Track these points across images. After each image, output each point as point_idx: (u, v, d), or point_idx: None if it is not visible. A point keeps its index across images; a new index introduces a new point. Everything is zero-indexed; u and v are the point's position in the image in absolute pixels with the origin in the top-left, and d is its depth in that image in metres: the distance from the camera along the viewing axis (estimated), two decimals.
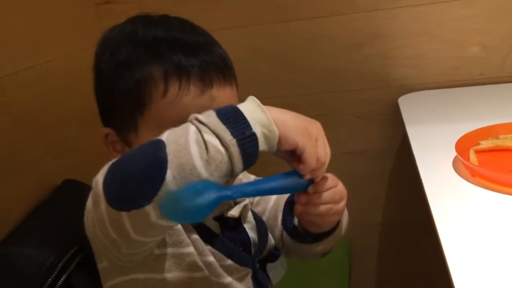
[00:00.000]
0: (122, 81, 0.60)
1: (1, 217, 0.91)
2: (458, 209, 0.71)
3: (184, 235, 0.61)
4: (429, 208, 0.71)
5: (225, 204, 0.68)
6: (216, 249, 0.64)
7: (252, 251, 0.70)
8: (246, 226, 0.71)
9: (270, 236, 0.74)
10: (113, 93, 0.61)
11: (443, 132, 0.95)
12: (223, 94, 0.59)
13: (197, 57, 0.58)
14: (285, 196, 0.78)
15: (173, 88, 0.56)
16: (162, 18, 0.64)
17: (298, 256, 0.79)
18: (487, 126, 0.89)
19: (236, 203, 0.70)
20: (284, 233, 0.77)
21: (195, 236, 0.62)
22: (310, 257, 0.78)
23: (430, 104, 1.17)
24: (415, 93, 1.26)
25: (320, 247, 0.74)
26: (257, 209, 0.79)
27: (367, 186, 1.39)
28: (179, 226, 0.61)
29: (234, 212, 0.67)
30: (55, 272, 0.86)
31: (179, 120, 0.54)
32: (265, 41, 1.31)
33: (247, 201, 0.71)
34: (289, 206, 0.75)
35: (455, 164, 0.82)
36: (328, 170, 1.50)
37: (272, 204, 0.80)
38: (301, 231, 0.73)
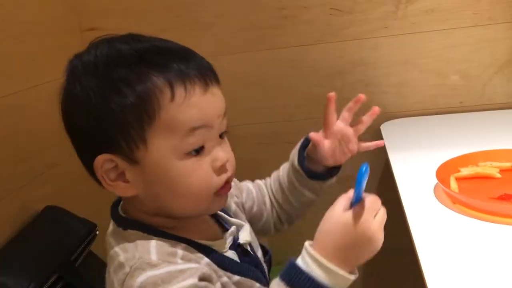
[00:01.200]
0: (122, 99, 0.58)
1: None
2: (439, 235, 0.71)
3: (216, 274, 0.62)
4: (410, 234, 0.72)
5: (232, 232, 0.70)
6: (245, 277, 0.65)
7: (264, 266, 0.73)
8: (255, 246, 0.73)
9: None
10: (109, 115, 0.59)
11: (424, 159, 0.96)
12: (218, 91, 0.62)
13: (190, 61, 0.61)
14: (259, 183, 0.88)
15: (180, 91, 0.58)
16: (126, 35, 0.66)
17: (296, 203, 0.85)
18: (467, 154, 0.91)
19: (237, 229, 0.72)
20: (286, 183, 0.84)
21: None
22: (310, 200, 0.86)
23: (411, 131, 1.19)
24: (397, 120, 1.28)
25: (331, 181, 0.85)
26: (248, 205, 0.82)
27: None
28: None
29: (246, 237, 0.70)
30: None
31: (190, 118, 0.58)
32: (251, 68, 1.33)
33: (247, 225, 0.74)
34: (303, 149, 0.83)
35: (436, 190, 0.83)
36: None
37: (255, 192, 0.85)
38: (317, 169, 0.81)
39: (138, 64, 0.59)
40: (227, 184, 0.64)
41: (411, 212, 0.78)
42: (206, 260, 0.62)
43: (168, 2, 1.30)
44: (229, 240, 0.68)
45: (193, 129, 0.59)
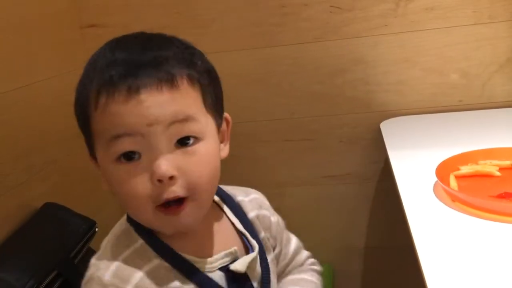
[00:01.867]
0: (76, 96, 0.61)
1: None
2: (438, 233, 0.71)
3: None
4: (410, 232, 0.72)
5: (231, 253, 0.65)
6: None
7: None
8: (252, 277, 0.67)
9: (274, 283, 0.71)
10: (75, 109, 0.62)
11: (424, 157, 0.96)
12: (156, 98, 0.55)
13: (126, 60, 0.57)
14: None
15: (102, 98, 0.56)
16: (136, 35, 0.63)
17: None
18: (466, 152, 0.91)
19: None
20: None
21: None
22: None
23: (411, 129, 1.19)
24: (396, 118, 1.28)
25: None
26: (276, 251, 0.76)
27: (349, 210, 1.40)
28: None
29: (240, 267, 0.63)
30: None
31: (111, 127, 0.56)
32: (252, 65, 1.33)
33: (255, 253, 0.67)
34: None
35: (436, 188, 0.83)
36: (311, 194, 1.51)
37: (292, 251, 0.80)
38: None
39: (93, 64, 0.60)
40: (168, 204, 0.57)
41: (411, 210, 0.78)
42: (171, 285, 0.59)
43: None
44: (224, 260, 0.64)
45: (114, 137, 0.56)
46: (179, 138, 0.57)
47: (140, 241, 0.61)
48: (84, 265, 0.96)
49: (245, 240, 0.68)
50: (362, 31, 1.26)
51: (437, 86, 1.27)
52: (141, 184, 0.56)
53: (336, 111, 1.33)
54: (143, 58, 0.57)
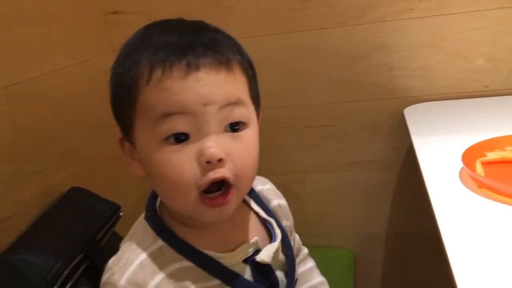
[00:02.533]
0: (117, 75, 0.59)
1: (7, 225, 0.92)
2: (464, 220, 0.70)
3: None
4: (435, 219, 0.71)
5: (253, 244, 0.64)
6: None
7: None
8: (274, 265, 0.67)
9: (296, 271, 0.71)
10: (113, 92, 0.61)
11: (449, 143, 0.95)
12: (214, 77, 0.55)
13: (184, 39, 0.56)
14: None
15: (157, 73, 0.54)
16: (177, 20, 0.62)
17: None
18: (493, 138, 0.89)
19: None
20: None
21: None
22: None
23: (436, 116, 1.17)
24: (421, 104, 1.26)
25: None
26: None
27: (372, 196, 1.39)
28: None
29: (266, 258, 0.63)
30: (60, 280, 0.86)
31: (164, 104, 0.53)
32: (273, 51, 1.32)
33: (277, 242, 0.66)
34: None
35: (462, 175, 0.82)
36: (334, 181, 1.51)
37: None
38: None
39: (144, 42, 0.58)
40: (213, 188, 0.56)
41: (436, 197, 0.77)
42: (198, 284, 0.58)
43: None
44: (246, 253, 0.63)
45: (166, 115, 0.54)
46: (230, 122, 0.56)
47: (160, 242, 0.60)
48: (109, 248, 0.98)
49: (270, 227, 0.68)
50: (387, 15, 1.24)
51: (462, 71, 1.25)
52: (188, 166, 0.54)
53: (359, 97, 1.32)
54: (200, 39, 0.56)
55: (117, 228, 1.07)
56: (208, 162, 0.54)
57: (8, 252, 0.88)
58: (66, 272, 0.87)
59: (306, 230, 1.44)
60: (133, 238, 0.62)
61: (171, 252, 0.59)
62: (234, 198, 0.58)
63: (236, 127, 0.57)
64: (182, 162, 0.54)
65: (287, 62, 1.33)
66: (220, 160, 0.54)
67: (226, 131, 0.56)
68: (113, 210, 1.04)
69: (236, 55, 0.59)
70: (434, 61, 1.25)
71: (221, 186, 0.56)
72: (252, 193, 0.71)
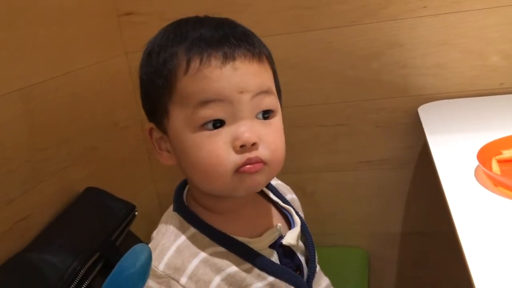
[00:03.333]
0: (151, 67, 0.62)
1: (25, 224, 0.93)
2: (481, 219, 0.70)
3: (245, 281, 0.61)
4: (451, 218, 0.71)
5: (277, 230, 0.67)
6: (280, 279, 0.64)
7: (305, 274, 0.70)
8: (295, 249, 0.70)
9: (317, 257, 0.73)
10: (146, 83, 0.63)
11: (464, 142, 0.95)
12: (248, 67, 0.59)
13: (219, 30, 0.60)
14: None
15: (195, 63, 0.58)
16: (202, 17, 0.66)
17: None
18: (509, 136, 0.88)
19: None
20: None
21: (256, 272, 0.62)
22: None
23: (450, 114, 1.16)
24: (435, 102, 1.25)
25: None
26: None
27: (387, 195, 1.38)
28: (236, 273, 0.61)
29: (291, 240, 0.67)
30: (77, 279, 0.87)
31: (203, 91, 0.57)
32: (285, 50, 1.32)
33: (298, 227, 0.70)
34: None
35: (477, 173, 0.82)
36: (347, 180, 1.50)
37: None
38: None
39: (173, 36, 0.61)
40: (250, 162, 0.58)
41: (452, 195, 0.77)
42: (228, 270, 0.61)
43: None
44: (272, 238, 0.67)
45: (204, 102, 0.57)
46: (261, 110, 0.60)
47: (193, 230, 0.62)
48: (124, 247, 0.99)
49: (289, 215, 0.71)
50: (400, 13, 1.23)
51: (477, 69, 1.24)
52: (224, 149, 0.58)
53: (372, 95, 1.32)
54: (233, 31, 0.60)
55: (132, 228, 1.08)
56: (242, 146, 0.58)
57: (27, 250, 0.89)
58: (82, 271, 0.88)
59: (320, 229, 1.44)
60: (165, 228, 0.64)
61: (204, 239, 0.62)
62: (265, 174, 0.61)
63: (266, 115, 0.61)
64: (219, 146, 0.58)
65: (301, 61, 1.33)
66: (253, 144, 0.58)
67: (257, 118, 0.60)
68: (128, 209, 1.05)
69: (264, 48, 0.63)
70: (448, 59, 1.24)
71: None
72: (270, 186, 0.74)
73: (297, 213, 0.73)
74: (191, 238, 0.62)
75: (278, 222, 0.69)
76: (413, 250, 1.44)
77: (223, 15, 1.28)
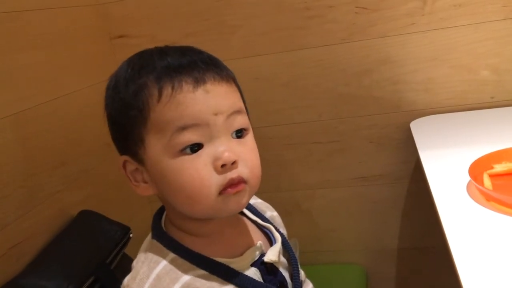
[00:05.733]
0: (120, 100, 0.62)
1: (19, 249, 0.93)
2: (473, 234, 0.70)
3: None
4: (443, 233, 0.71)
5: (258, 248, 0.67)
6: None
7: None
8: (278, 265, 0.70)
9: (301, 271, 0.73)
10: (116, 116, 0.63)
11: (456, 156, 0.95)
12: (219, 89, 0.60)
13: (185, 57, 0.61)
14: None
15: (167, 90, 0.58)
16: (164, 46, 0.66)
17: None
18: (500, 150, 0.89)
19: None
20: None
21: None
22: None
23: (442, 128, 1.17)
24: (427, 117, 1.26)
25: None
26: None
27: (381, 211, 1.38)
28: None
29: (273, 257, 0.67)
30: None
31: (179, 117, 0.58)
32: (277, 69, 1.33)
33: (279, 243, 0.70)
34: None
35: (469, 188, 0.82)
36: (342, 196, 1.50)
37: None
38: None
39: (145, 66, 0.61)
40: (233, 182, 0.59)
41: (444, 210, 0.77)
42: None
43: (195, 7, 1.31)
44: (253, 256, 0.66)
45: (182, 128, 0.58)
46: (235, 129, 0.61)
47: (172, 255, 0.62)
48: (120, 270, 0.99)
49: (269, 233, 0.72)
50: (389, 30, 1.25)
51: (467, 84, 1.25)
52: (205, 171, 0.58)
53: (364, 112, 1.33)
54: (200, 56, 0.62)
55: (128, 250, 1.07)
56: (223, 166, 0.59)
57: (21, 277, 0.88)
58: None
59: (315, 246, 1.44)
60: (145, 256, 0.63)
61: (184, 263, 0.61)
62: (247, 193, 0.62)
63: (239, 134, 0.62)
64: (200, 168, 0.58)
65: (293, 79, 1.34)
66: (233, 162, 0.59)
67: (232, 137, 0.61)
68: (123, 232, 1.05)
69: (230, 71, 0.64)
70: (439, 74, 1.26)
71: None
72: (248, 205, 0.74)
73: (277, 230, 0.73)
74: (171, 264, 0.61)
75: (259, 239, 0.69)
76: (409, 266, 1.43)
77: (216, 36, 1.31)
